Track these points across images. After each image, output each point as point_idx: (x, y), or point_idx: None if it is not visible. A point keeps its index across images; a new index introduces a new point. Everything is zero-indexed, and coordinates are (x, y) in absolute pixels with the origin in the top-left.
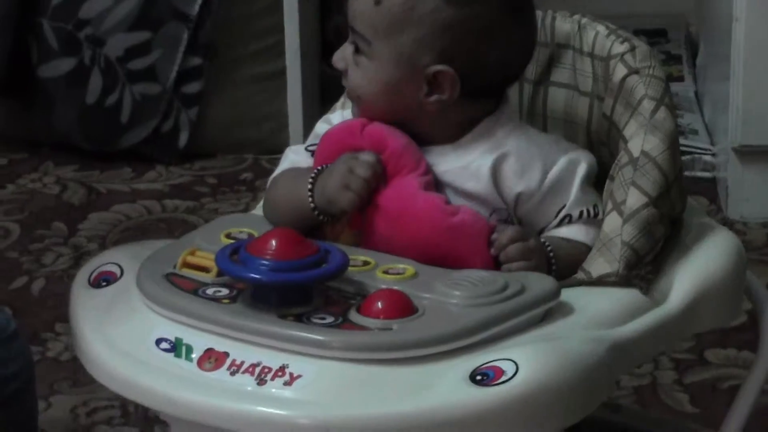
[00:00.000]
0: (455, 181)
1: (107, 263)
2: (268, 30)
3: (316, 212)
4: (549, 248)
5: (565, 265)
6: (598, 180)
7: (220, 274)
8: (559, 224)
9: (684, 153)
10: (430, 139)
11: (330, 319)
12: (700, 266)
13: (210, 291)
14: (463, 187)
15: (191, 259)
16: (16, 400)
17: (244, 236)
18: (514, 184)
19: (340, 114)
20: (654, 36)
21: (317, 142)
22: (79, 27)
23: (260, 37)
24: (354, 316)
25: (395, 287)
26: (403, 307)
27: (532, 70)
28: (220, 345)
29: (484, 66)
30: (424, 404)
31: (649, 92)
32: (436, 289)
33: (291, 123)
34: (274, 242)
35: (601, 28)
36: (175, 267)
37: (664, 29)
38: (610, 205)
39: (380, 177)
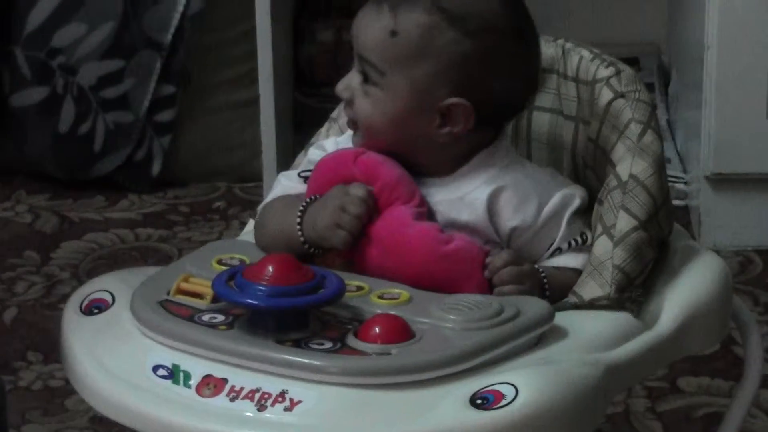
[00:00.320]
0: (450, 212)
1: (98, 291)
2: (241, 58)
3: (306, 245)
4: (543, 274)
5: (558, 290)
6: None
7: (215, 300)
8: (550, 257)
9: None
10: (426, 170)
11: (328, 345)
12: (689, 289)
13: (206, 317)
14: (458, 218)
15: (185, 286)
16: None
17: (235, 262)
18: (510, 218)
19: (334, 141)
20: (626, 64)
21: (310, 168)
22: (52, 55)
23: (233, 64)
24: (352, 341)
25: (391, 312)
26: (400, 331)
27: None
28: (218, 371)
29: (497, 97)
30: (425, 428)
31: (636, 116)
32: (432, 314)
33: (264, 151)
34: (270, 268)
35: (586, 53)
36: (168, 293)
37: (637, 57)
38: (600, 229)
39: (372, 210)
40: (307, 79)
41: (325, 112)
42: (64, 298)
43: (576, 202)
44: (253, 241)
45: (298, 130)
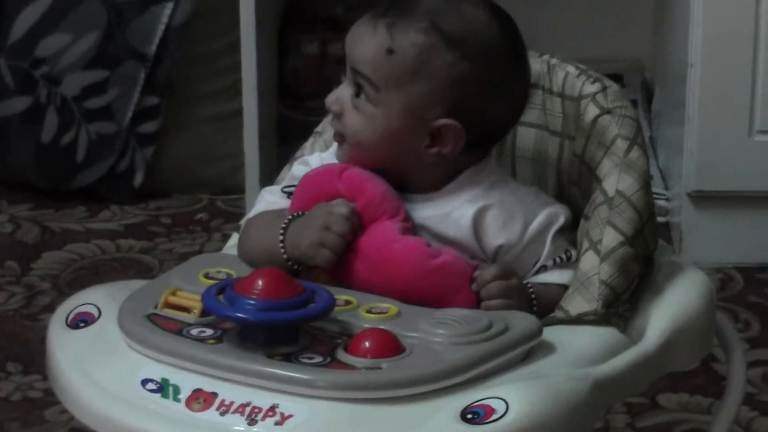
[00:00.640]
0: (436, 228)
1: (84, 304)
2: (226, 70)
3: (290, 263)
4: (531, 289)
5: (546, 306)
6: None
7: (203, 314)
8: (535, 274)
9: None
10: (412, 186)
11: (318, 359)
12: (674, 305)
13: (194, 331)
14: (444, 234)
15: (173, 300)
16: None
17: (222, 276)
18: (495, 236)
19: (318, 156)
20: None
21: (294, 183)
22: (36, 65)
23: (217, 76)
24: (342, 355)
25: (380, 326)
26: (390, 346)
27: None
28: (208, 385)
29: (488, 119)
30: None
31: (622, 132)
32: (421, 328)
33: (247, 163)
34: (260, 282)
35: (571, 68)
36: (156, 307)
37: (621, 74)
38: (586, 244)
39: (357, 227)
40: (291, 91)
41: (309, 126)
42: (45, 308)
43: (560, 221)
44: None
45: (282, 143)
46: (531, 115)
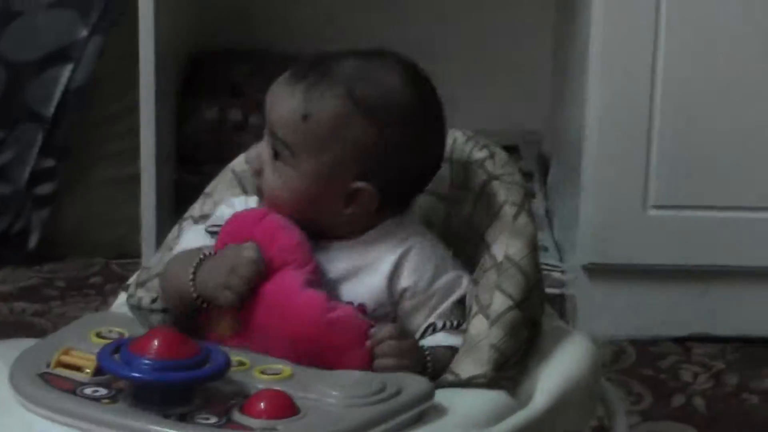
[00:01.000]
0: (354, 275)
1: None
2: (124, 133)
3: (198, 300)
4: (426, 352)
5: (440, 367)
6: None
7: (96, 373)
8: (423, 333)
9: None
10: (331, 235)
11: (214, 419)
12: (561, 369)
13: (88, 390)
14: (361, 282)
15: (65, 359)
16: None
17: (114, 335)
18: (405, 278)
19: (244, 199)
20: (505, 151)
21: (217, 223)
22: None
23: (114, 140)
24: (237, 416)
25: (274, 387)
26: (285, 407)
27: None
28: None
29: (403, 180)
30: None
31: (510, 198)
32: (315, 389)
33: (144, 227)
34: (156, 342)
35: (459, 134)
36: (48, 366)
37: (517, 146)
38: (475, 308)
39: (264, 272)
40: (189, 156)
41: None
42: None
43: (464, 287)
44: (126, 313)
45: (179, 208)
46: None
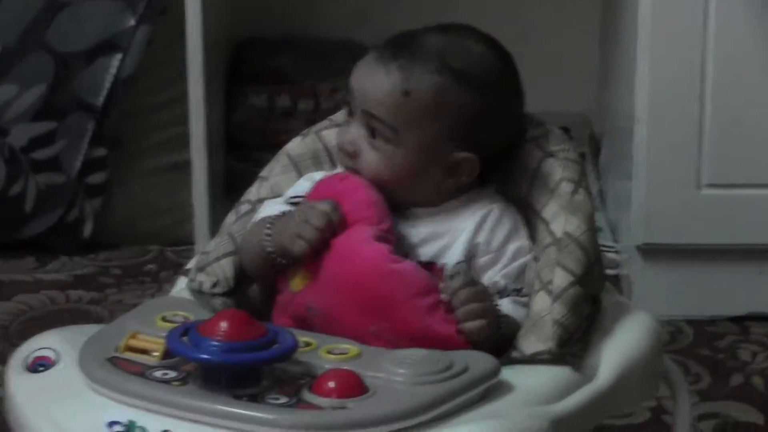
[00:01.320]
0: (432, 240)
1: (41, 348)
2: (174, 121)
3: (273, 255)
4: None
5: (509, 333)
6: None
7: (165, 356)
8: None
9: None
10: (419, 204)
11: (284, 399)
12: (624, 344)
13: (157, 373)
14: (438, 245)
15: (134, 343)
16: None
17: (180, 319)
18: (483, 234)
19: (322, 174)
20: None
21: (299, 194)
22: None
23: (165, 128)
24: (307, 395)
25: (343, 367)
26: (354, 386)
27: None
28: (175, 426)
29: (499, 147)
30: None
31: (567, 174)
32: (383, 368)
33: (196, 215)
34: (224, 324)
35: None
36: (117, 350)
37: (567, 127)
38: (537, 285)
39: (337, 225)
40: (239, 143)
41: (257, 177)
42: None
43: (529, 257)
44: (188, 297)
45: (231, 194)
46: None
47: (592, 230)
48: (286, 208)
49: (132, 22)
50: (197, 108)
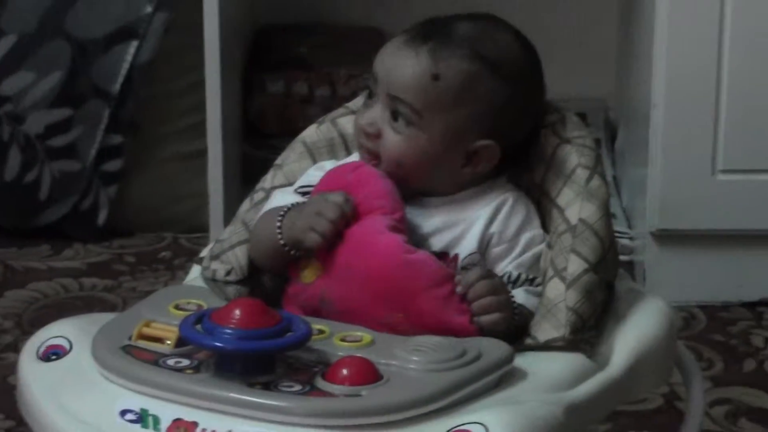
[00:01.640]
0: (445, 229)
1: (54, 337)
2: (190, 109)
3: (286, 248)
4: (510, 295)
5: (522, 323)
6: None
7: (178, 344)
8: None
9: None
10: (432, 192)
11: (297, 387)
12: (637, 331)
13: (171, 362)
14: (452, 235)
15: (147, 331)
16: None
17: (193, 307)
18: (496, 224)
19: (333, 163)
20: None
21: (309, 183)
22: None
23: (182, 115)
24: (321, 383)
25: (356, 354)
26: (368, 373)
27: None
28: (188, 414)
29: (519, 139)
30: None
31: (582, 161)
32: (396, 355)
33: (212, 202)
34: (238, 311)
35: None
36: (130, 339)
37: (584, 113)
38: (551, 272)
39: (350, 217)
40: (256, 130)
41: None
42: (8, 347)
43: (543, 247)
44: (202, 285)
45: (246, 182)
46: None
47: (607, 217)
48: (296, 197)
49: (149, 9)
50: (214, 95)
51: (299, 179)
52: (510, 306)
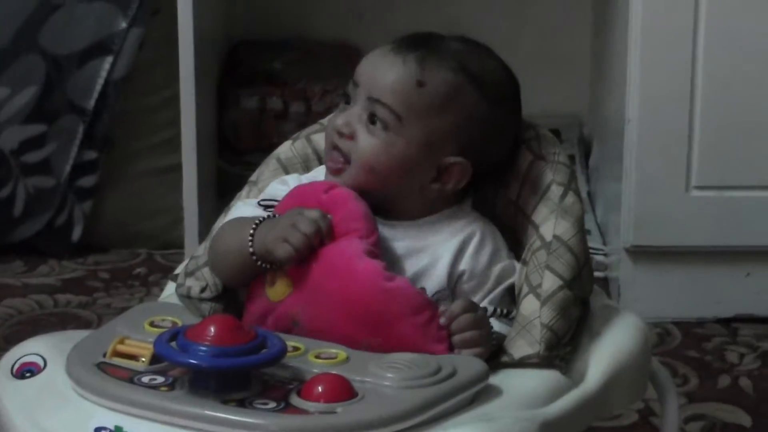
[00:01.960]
0: (412, 255)
1: (28, 354)
2: (165, 124)
3: (254, 258)
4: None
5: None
6: None
7: (152, 361)
8: None
9: None
10: (393, 214)
11: (272, 404)
12: (612, 347)
13: (145, 379)
14: (419, 262)
15: (122, 348)
16: None
17: (168, 324)
18: (465, 261)
19: (296, 177)
20: None
21: (271, 197)
22: None
23: (156, 131)
24: (296, 400)
25: (331, 371)
26: (343, 390)
27: None
28: None
29: (490, 161)
30: None
31: (557, 178)
32: (371, 372)
33: (186, 218)
34: (212, 328)
35: None
36: (104, 356)
37: (558, 129)
38: (526, 289)
39: (325, 235)
40: (230, 146)
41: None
42: None
43: (514, 278)
44: (176, 302)
45: (221, 198)
46: None
47: (582, 233)
48: (259, 210)
49: (123, 24)
50: (188, 110)
51: (262, 193)
52: (490, 339)
